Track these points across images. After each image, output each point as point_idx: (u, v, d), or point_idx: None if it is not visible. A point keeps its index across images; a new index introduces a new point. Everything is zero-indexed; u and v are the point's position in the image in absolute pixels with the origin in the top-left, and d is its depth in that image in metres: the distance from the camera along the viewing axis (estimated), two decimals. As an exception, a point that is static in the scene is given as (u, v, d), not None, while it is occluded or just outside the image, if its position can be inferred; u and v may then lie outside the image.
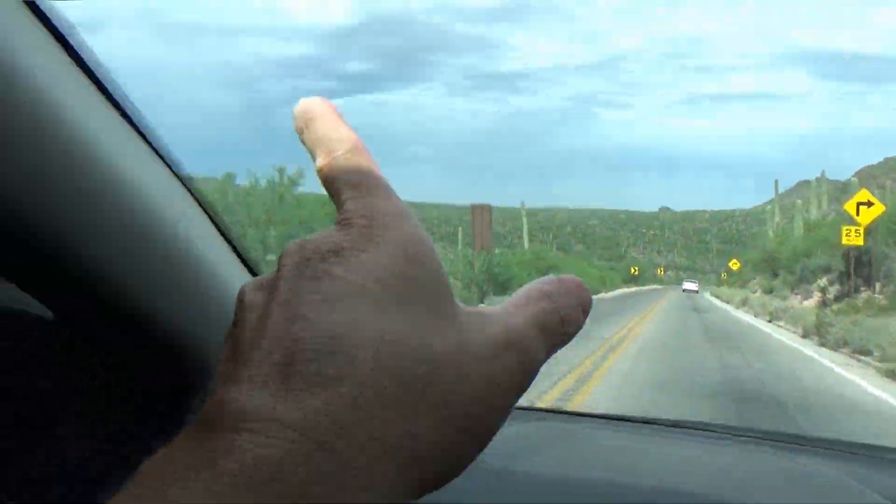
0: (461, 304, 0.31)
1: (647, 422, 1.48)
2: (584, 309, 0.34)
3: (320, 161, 0.33)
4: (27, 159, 0.51)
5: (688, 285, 70.34)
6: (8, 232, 0.53)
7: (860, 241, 25.36)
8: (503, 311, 0.32)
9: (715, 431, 1.38)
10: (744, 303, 38.63)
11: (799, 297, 33.65)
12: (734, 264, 70.18)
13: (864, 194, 25.58)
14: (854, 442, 1.43)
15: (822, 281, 28.30)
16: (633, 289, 70.69)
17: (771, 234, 55.48)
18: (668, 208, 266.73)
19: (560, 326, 0.32)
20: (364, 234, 0.29)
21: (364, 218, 0.30)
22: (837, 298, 26.74)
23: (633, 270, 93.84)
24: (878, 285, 25.49)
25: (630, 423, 1.49)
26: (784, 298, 34.33)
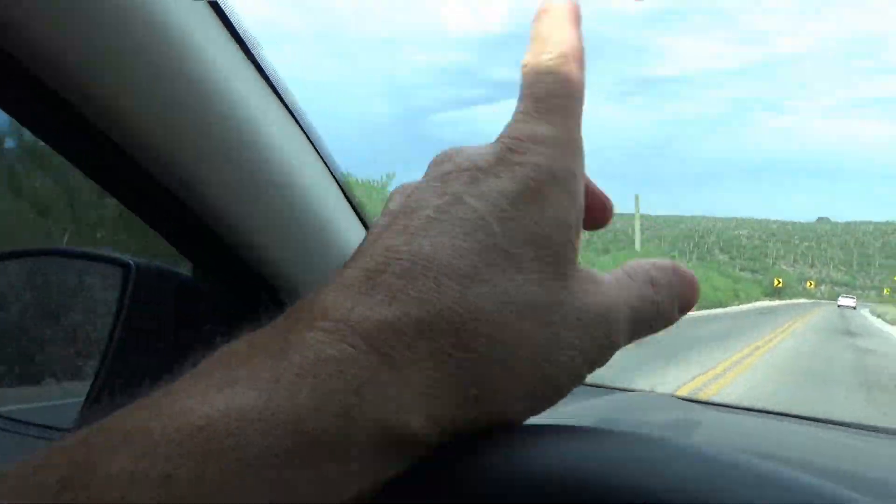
0: (578, 265, 0.29)
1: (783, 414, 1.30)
2: (684, 307, 0.32)
3: (526, 57, 0.31)
4: (194, 129, 0.62)
5: (844, 300, 62.97)
6: (168, 191, 0.65)
7: None
8: (609, 281, 0.30)
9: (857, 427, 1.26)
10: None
11: None
12: (902, 279, 57.85)
13: None
14: None
15: None
16: (774, 302, 60.54)
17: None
18: (826, 219, 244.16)
19: (652, 318, 0.31)
20: (502, 158, 0.28)
21: (512, 141, 0.29)
22: None
23: (776, 282, 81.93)
24: None
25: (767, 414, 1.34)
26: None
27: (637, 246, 49.05)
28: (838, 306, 59.40)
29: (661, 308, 0.31)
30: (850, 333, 23.27)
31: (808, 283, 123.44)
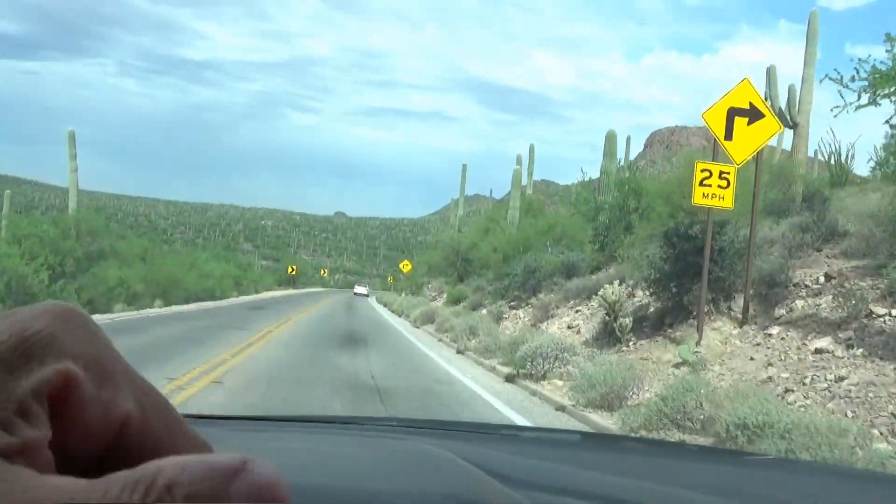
0: None
1: (282, 419, 1.60)
2: None
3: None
4: None
5: (359, 289, 62.75)
6: None
7: (729, 203, 9.62)
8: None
9: (345, 423, 1.52)
10: (429, 319, 21.76)
11: (520, 312, 17.99)
12: (405, 266, 55.34)
13: (744, 88, 9.84)
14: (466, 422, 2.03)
15: (612, 287, 11.94)
16: (283, 292, 53.13)
17: (455, 223, 41.40)
18: (343, 213, 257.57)
19: None
20: None
21: None
22: (657, 328, 11.01)
23: (290, 270, 75.98)
24: (742, 302, 9.83)
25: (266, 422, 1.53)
26: (499, 316, 18.39)
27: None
28: (354, 294, 59.05)
29: None
30: (353, 342, 14.54)
31: (322, 272, 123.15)
